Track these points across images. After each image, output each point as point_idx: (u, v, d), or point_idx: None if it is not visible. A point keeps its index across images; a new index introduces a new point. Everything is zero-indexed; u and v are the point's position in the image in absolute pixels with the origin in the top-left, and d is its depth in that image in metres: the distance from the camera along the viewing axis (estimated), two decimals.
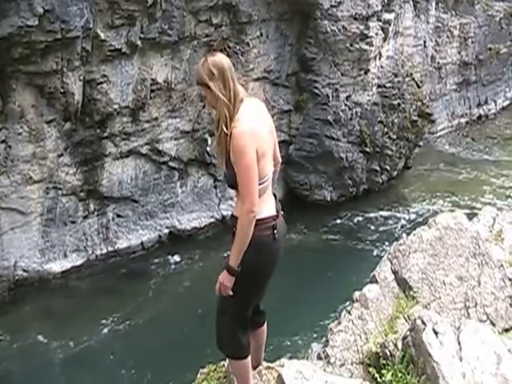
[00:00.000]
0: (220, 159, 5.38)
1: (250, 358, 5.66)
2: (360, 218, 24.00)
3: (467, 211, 18.80)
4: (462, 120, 35.03)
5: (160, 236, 21.24)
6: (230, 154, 5.14)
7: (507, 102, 38.78)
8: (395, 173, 25.86)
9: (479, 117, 36.20)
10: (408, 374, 5.90)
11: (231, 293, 5.28)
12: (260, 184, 5.19)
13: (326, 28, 22.82)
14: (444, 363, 5.66)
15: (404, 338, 6.23)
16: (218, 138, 5.27)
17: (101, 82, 18.43)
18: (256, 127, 5.19)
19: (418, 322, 6.07)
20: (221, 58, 5.22)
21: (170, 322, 17.64)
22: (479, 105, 36.30)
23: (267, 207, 5.33)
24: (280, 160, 5.74)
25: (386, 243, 21.30)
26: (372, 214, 24.33)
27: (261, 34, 22.07)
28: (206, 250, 20.99)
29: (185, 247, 21.18)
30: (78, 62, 17.42)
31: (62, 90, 17.43)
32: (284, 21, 22.75)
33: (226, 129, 5.15)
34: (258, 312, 5.80)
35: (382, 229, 23.20)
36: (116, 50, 18.34)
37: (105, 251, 20.04)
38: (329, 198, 24.42)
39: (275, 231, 5.30)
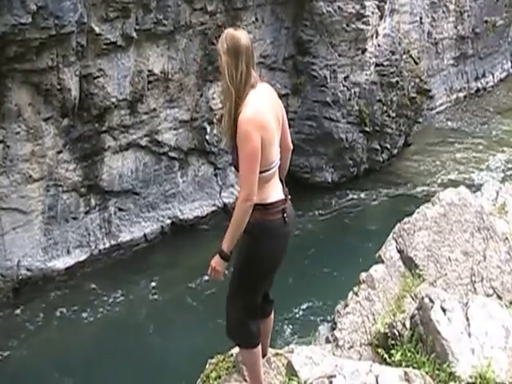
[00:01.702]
0: (226, 138, 5.32)
1: (260, 346, 5.60)
2: (362, 198, 24.01)
3: (470, 185, 18.82)
4: (461, 94, 34.94)
5: (162, 227, 21.23)
6: (235, 137, 5.05)
7: (505, 74, 38.67)
8: (395, 151, 25.87)
9: (477, 90, 36.11)
10: (417, 352, 5.90)
11: (222, 278, 5.25)
12: (267, 171, 5.15)
13: (321, 9, 22.78)
14: (453, 340, 5.66)
15: (412, 316, 6.22)
16: (225, 117, 5.18)
17: (97, 76, 18.36)
18: (263, 114, 5.07)
19: (426, 300, 6.06)
20: (240, 36, 5.08)
21: (177, 312, 17.71)
22: (477, 78, 36.20)
23: (275, 192, 5.30)
24: (291, 147, 5.68)
25: (390, 222, 21.13)
26: (374, 194, 24.34)
27: (256, 19, 22.03)
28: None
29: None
30: (74, 57, 17.37)
31: (58, 87, 17.38)
32: (279, 4, 22.69)
33: (234, 108, 5.05)
34: (267, 301, 5.74)
35: (384, 208, 23.21)
36: (111, 43, 18.28)
37: (108, 245, 20.03)
38: (330, 180, 24.44)
39: (285, 215, 5.26)
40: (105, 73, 18.51)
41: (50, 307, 17.85)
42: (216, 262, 5.18)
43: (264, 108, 5.12)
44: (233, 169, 5.50)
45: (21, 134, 17.40)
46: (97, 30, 17.82)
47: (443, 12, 31.87)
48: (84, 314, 17.69)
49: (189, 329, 16.80)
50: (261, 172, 5.09)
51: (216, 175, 22.42)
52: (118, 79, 18.85)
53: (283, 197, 5.34)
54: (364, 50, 23.95)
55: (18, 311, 17.54)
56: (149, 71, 19.55)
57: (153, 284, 19.05)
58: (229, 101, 5.08)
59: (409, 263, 7.94)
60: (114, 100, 18.81)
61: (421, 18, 30.33)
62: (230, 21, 20.79)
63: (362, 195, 24.15)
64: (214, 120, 21.39)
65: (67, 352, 16.26)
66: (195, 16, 20.11)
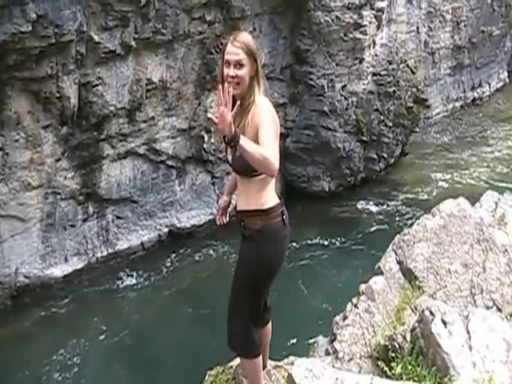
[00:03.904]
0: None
1: (261, 357, 5.62)
2: (359, 208, 24.02)
3: (468, 195, 18.83)
4: (457, 104, 35.09)
5: (160, 235, 21.27)
6: (244, 135, 4.95)
7: (501, 84, 38.86)
8: (392, 160, 25.91)
9: (474, 100, 36.29)
10: (418, 365, 5.87)
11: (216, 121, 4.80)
12: None
13: (319, 19, 22.83)
14: (454, 353, 5.64)
15: (412, 329, 6.21)
16: (240, 118, 5.11)
17: (96, 85, 18.37)
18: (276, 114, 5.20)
19: (427, 312, 6.04)
20: None
21: (175, 322, 17.66)
22: (473, 88, 36.36)
23: (273, 196, 5.31)
24: None
25: (387, 231, 21.29)
26: (371, 203, 24.34)
27: (254, 29, 22.03)
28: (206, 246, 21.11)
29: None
30: (73, 65, 17.39)
31: (57, 95, 17.39)
32: (277, 14, 22.73)
33: (249, 106, 5.09)
34: (265, 308, 5.73)
35: (382, 217, 23.19)
36: (110, 52, 18.29)
37: (105, 253, 20.06)
38: (327, 189, 24.48)
39: (284, 217, 5.31)
40: (104, 81, 18.51)
41: (47, 314, 17.86)
42: (230, 124, 4.72)
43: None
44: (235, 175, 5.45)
45: (20, 142, 17.40)
46: (96, 38, 17.83)
47: (440, 22, 31.99)
48: (83, 320, 17.68)
49: (187, 338, 16.78)
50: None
51: (213, 184, 22.46)
52: (117, 88, 18.86)
53: (279, 200, 5.35)
54: (361, 60, 24.02)
55: (15, 318, 17.52)
56: (147, 80, 19.57)
57: (150, 292, 19.04)
58: (251, 93, 5.13)
59: (408, 275, 7.92)
60: (112, 108, 18.82)
61: (417, 28, 30.46)
62: (228, 30, 20.77)
63: (359, 204, 24.17)
64: (212, 129, 21.42)
65: (64, 360, 16.25)
66: (194, 25, 20.14)
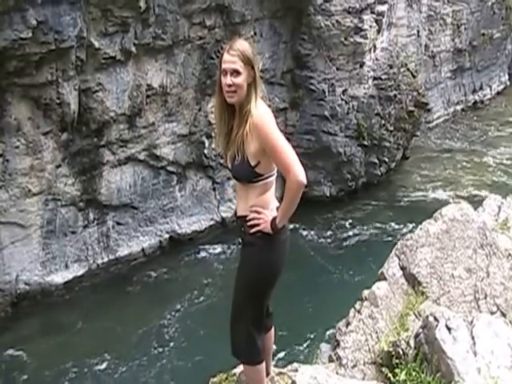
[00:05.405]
0: (233, 150, 5.17)
1: (264, 363, 5.55)
2: (361, 212, 23.96)
3: (470, 198, 18.79)
4: (458, 107, 35.06)
5: (161, 241, 21.20)
6: (244, 144, 5.03)
7: (502, 87, 38.82)
8: (393, 164, 25.86)
9: (475, 103, 36.25)
10: (422, 372, 5.83)
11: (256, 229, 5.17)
12: (271, 176, 5.20)
13: (319, 23, 22.82)
14: (458, 359, 5.59)
15: (416, 335, 6.16)
16: (235, 130, 5.12)
17: (96, 91, 18.35)
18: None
19: (431, 318, 6.00)
20: None
21: (176, 329, 17.62)
22: (474, 91, 36.33)
23: (273, 200, 5.30)
24: None
25: (389, 236, 21.27)
26: (372, 207, 24.29)
27: (254, 34, 22.04)
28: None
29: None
30: (73, 71, 17.37)
31: (57, 101, 17.37)
32: (277, 18, 22.73)
33: (246, 114, 5.05)
34: (267, 314, 5.64)
35: (383, 222, 23.11)
36: (110, 58, 18.28)
37: (106, 260, 20.00)
38: (328, 194, 24.46)
39: None
40: (104, 87, 18.48)
41: (48, 321, 17.81)
42: (266, 226, 5.12)
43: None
44: (232, 182, 5.44)
45: (20, 148, 17.37)
46: (96, 44, 17.81)
47: (440, 25, 31.97)
48: (82, 328, 17.62)
49: (188, 346, 16.73)
50: (266, 177, 5.15)
51: (214, 189, 22.40)
52: (117, 93, 18.83)
53: (279, 205, 5.30)
54: (362, 64, 23.99)
55: (16, 325, 17.46)
56: (147, 85, 19.54)
57: (151, 299, 18.97)
58: (248, 102, 5.05)
59: (412, 280, 7.88)
60: (112, 114, 18.79)
61: (418, 32, 30.43)
62: (228, 35, 20.78)
63: (361, 209, 24.11)
64: (213, 134, 21.37)
65: (63, 366, 16.20)
66: (194, 30, 20.13)
